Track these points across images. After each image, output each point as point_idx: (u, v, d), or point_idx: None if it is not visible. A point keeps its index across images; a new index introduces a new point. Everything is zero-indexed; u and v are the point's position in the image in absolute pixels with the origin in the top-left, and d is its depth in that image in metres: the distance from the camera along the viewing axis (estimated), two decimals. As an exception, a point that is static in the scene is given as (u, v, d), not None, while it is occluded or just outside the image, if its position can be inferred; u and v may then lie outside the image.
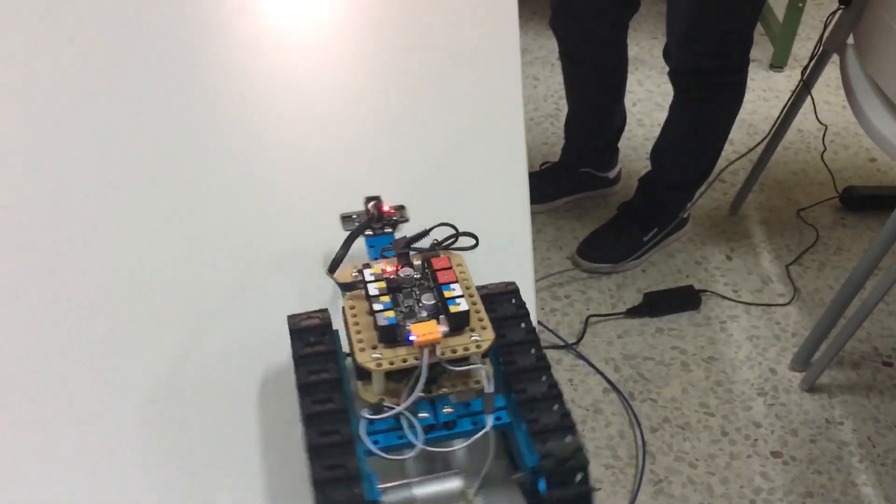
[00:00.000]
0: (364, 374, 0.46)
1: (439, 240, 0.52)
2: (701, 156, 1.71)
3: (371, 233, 0.57)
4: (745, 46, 1.53)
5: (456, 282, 0.48)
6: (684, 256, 1.85)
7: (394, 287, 0.49)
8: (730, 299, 1.75)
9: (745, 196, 1.93)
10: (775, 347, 1.65)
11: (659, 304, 1.71)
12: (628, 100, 1.87)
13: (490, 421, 0.46)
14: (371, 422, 0.45)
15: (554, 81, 2.33)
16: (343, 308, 0.48)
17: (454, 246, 0.52)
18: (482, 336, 0.47)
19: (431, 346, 0.45)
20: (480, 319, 0.48)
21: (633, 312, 1.70)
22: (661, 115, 1.78)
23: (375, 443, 0.45)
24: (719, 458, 1.46)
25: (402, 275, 0.49)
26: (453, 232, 0.52)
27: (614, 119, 1.85)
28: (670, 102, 1.68)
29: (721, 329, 1.69)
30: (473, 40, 0.88)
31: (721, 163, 1.76)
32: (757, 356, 1.64)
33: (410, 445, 0.45)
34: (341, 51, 0.86)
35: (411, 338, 0.45)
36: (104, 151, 0.73)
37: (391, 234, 0.57)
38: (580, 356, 1.62)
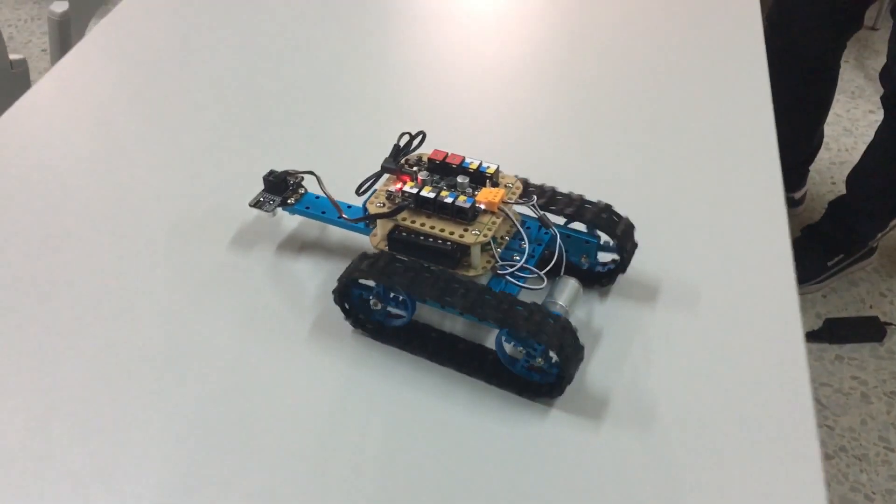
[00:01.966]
0: (460, 262, 0.55)
1: (400, 145, 0.59)
2: (903, 185, 1.62)
3: (293, 201, 0.64)
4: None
5: (465, 157, 0.57)
6: (868, 286, 1.75)
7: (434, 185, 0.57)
8: (918, 336, 1.62)
9: (941, 232, 1.79)
10: (966, 390, 1.52)
11: (840, 331, 1.62)
12: (816, 122, 1.80)
13: (555, 230, 0.57)
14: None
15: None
16: (398, 229, 0.56)
17: (413, 146, 0.60)
18: (508, 180, 0.58)
19: (502, 201, 0.55)
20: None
21: (812, 337, 1.63)
22: (849, 141, 1.71)
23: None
24: (898, 494, 1.37)
25: (423, 177, 0.56)
26: (409, 137, 0.59)
27: (812, 139, 1.78)
28: (878, 126, 1.60)
29: (906, 365, 1.58)
30: (718, 37, 0.92)
31: (920, 196, 1.65)
32: (945, 397, 1.51)
33: (538, 279, 0.55)
34: (596, 38, 0.92)
35: (481, 206, 0.54)
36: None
37: (306, 192, 0.65)
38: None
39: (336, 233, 0.66)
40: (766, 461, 0.51)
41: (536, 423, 0.53)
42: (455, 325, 0.59)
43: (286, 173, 0.64)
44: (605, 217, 0.58)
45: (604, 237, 0.59)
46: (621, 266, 0.60)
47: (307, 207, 0.63)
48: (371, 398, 0.55)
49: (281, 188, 0.64)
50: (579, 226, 0.60)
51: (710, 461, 0.51)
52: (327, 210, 0.62)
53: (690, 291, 0.61)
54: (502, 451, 0.52)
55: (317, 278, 0.63)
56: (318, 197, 0.64)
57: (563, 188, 0.60)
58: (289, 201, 0.63)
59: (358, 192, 0.59)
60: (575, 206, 0.58)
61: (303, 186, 0.65)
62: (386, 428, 0.53)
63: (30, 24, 2.49)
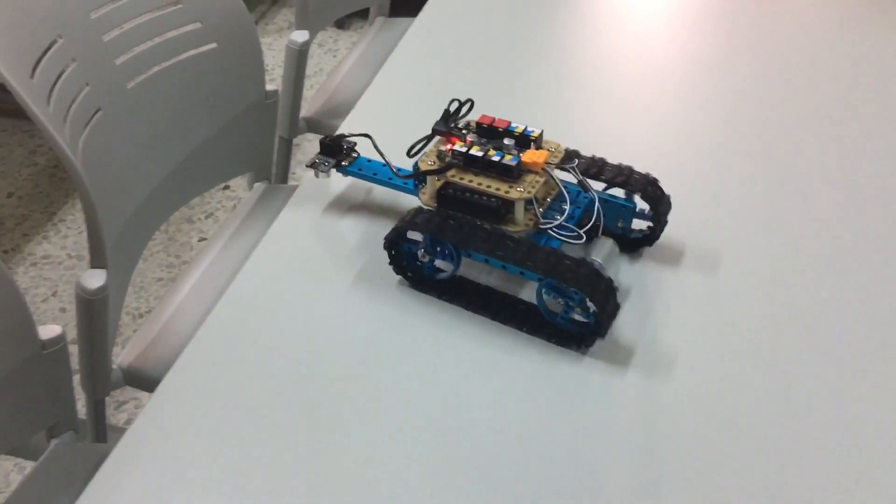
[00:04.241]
0: (504, 218, 0.60)
1: (450, 111, 0.64)
2: None
3: (346, 163, 0.68)
4: None
5: (511, 122, 0.62)
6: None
7: (481, 146, 0.61)
8: None
9: None
10: None
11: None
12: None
13: (594, 193, 0.62)
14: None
15: None
16: (447, 186, 0.60)
17: (462, 112, 0.64)
18: (551, 145, 0.62)
19: (545, 162, 0.59)
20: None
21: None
22: None
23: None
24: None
25: (471, 138, 0.62)
26: (458, 103, 0.64)
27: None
28: None
29: None
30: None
31: None
32: None
33: (578, 237, 0.59)
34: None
35: (526, 166, 0.59)
36: None
37: (358, 156, 0.69)
38: None
39: (380, 197, 0.71)
40: (766, 411, 0.55)
41: (569, 369, 0.57)
42: (490, 278, 0.64)
43: (341, 137, 0.69)
44: (650, 189, 0.62)
45: (639, 204, 0.64)
46: (653, 236, 0.65)
47: (359, 169, 0.68)
48: (414, 343, 0.59)
49: (336, 151, 0.68)
50: (617, 193, 0.64)
51: (720, 410, 0.55)
52: (378, 172, 0.67)
53: (711, 259, 0.66)
54: (539, 392, 0.56)
55: (360, 236, 0.67)
56: (369, 160, 0.69)
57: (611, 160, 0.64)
58: (342, 163, 0.68)
59: (409, 154, 0.63)
60: (624, 175, 0.63)
61: (356, 150, 0.69)
62: (431, 369, 0.57)
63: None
